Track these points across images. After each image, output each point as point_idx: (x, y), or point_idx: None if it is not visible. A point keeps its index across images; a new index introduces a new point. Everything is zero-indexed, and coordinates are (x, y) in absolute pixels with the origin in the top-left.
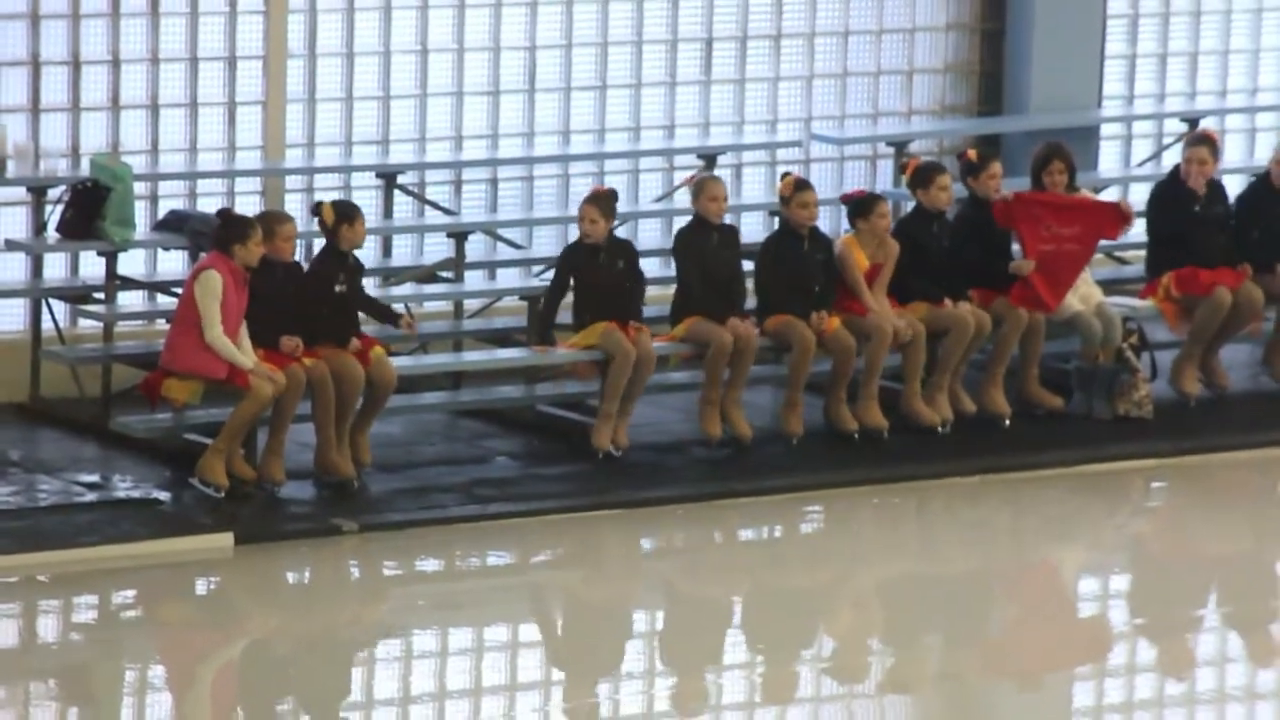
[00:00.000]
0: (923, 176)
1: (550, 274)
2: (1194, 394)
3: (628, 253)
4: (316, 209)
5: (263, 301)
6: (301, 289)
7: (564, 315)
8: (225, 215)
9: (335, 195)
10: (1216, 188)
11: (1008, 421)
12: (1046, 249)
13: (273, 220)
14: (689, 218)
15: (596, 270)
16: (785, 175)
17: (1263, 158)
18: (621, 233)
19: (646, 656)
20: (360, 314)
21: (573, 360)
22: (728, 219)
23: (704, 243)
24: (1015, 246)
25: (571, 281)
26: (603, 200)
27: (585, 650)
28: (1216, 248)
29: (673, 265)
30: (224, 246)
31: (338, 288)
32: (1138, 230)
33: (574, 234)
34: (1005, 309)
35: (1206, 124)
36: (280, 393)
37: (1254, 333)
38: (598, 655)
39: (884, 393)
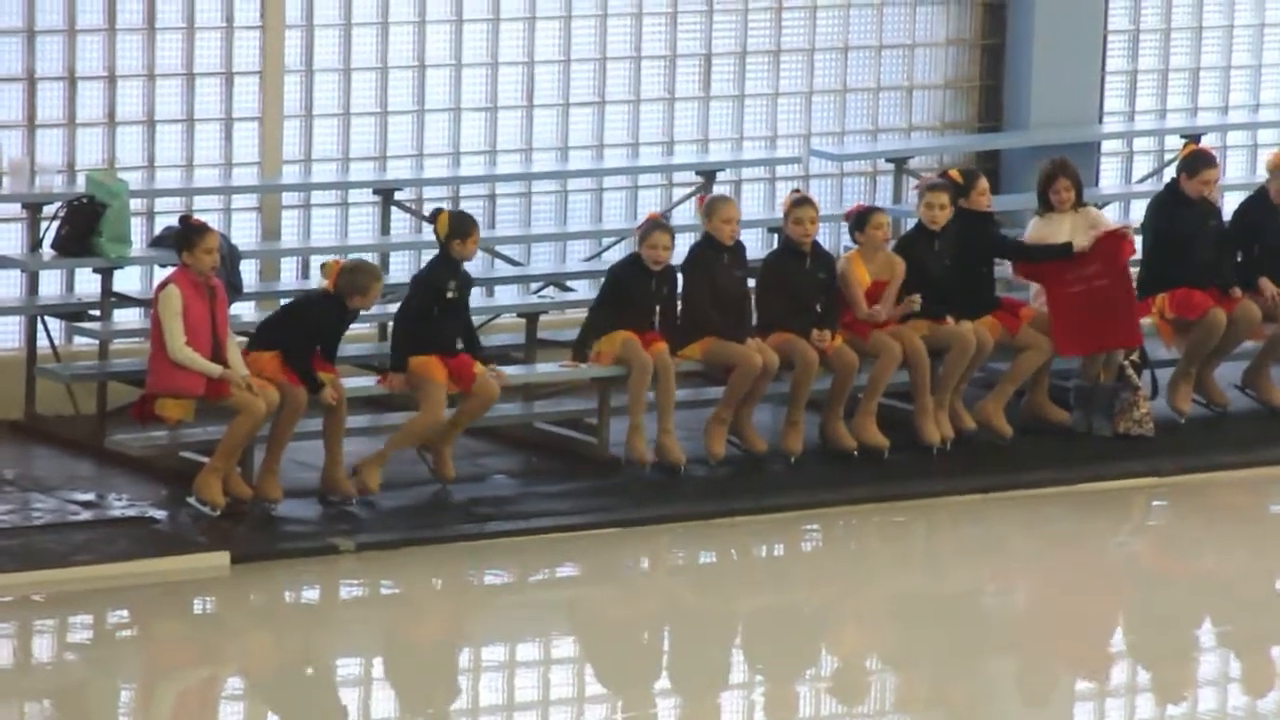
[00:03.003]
0: (920, 193)
1: (549, 291)
2: (1187, 412)
3: (672, 279)
4: (435, 216)
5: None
6: (410, 296)
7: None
8: (182, 222)
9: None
10: (1211, 204)
11: (1006, 441)
12: (1076, 290)
13: (371, 277)
14: (689, 235)
15: (647, 294)
16: (795, 190)
17: (1265, 174)
18: (619, 250)
19: (646, 676)
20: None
21: (580, 378)
22: None
23: (715, 263)
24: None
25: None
26: (668, 227)
27: (584, 669)
28: (1208, 264)
29: None
30: (178, 254)
31: (449, 294)
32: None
33: (572, 251)
34: (1031, 336)
35: (1208, 141)
36: (274, 409)
37: (1259, 336)
38: (596, 674)
39: (884, 410)
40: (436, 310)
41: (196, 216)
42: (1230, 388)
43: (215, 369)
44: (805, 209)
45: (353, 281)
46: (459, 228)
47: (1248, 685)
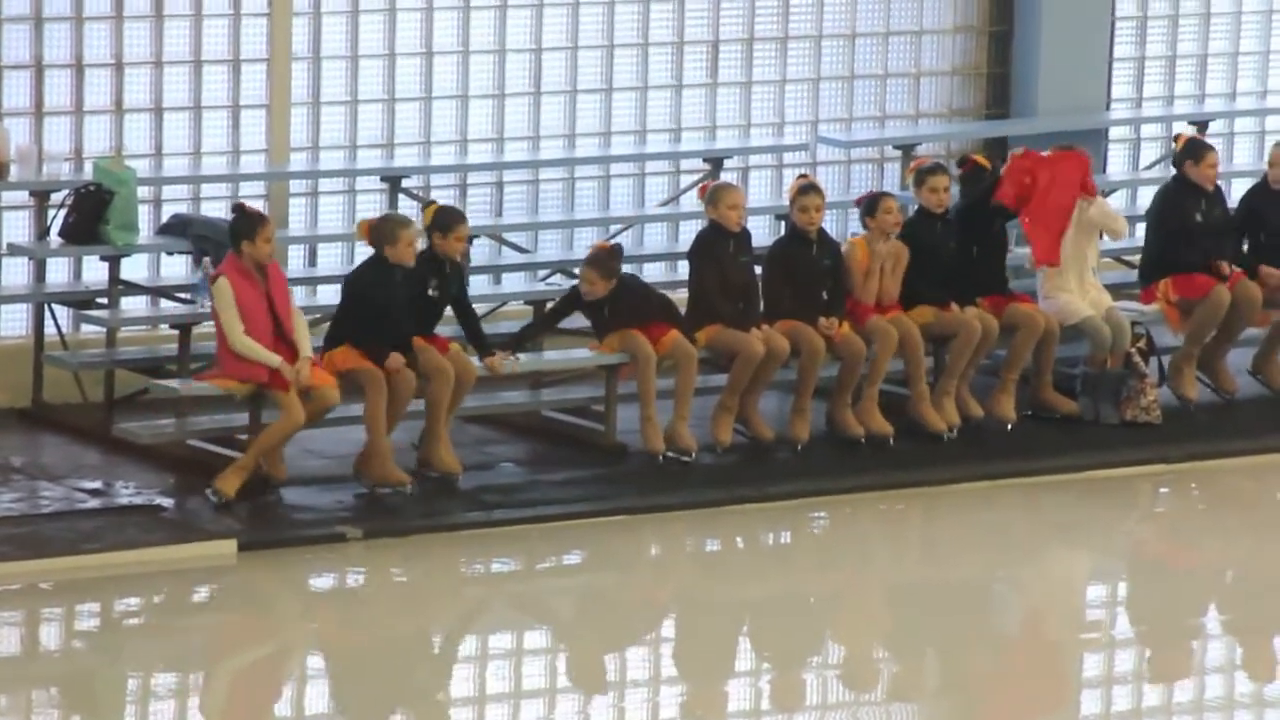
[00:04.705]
0: (917, 178)
1: (557, 278)
2: (1193, 398)
3: (631, 290)
4: (426, 208)
5: (374, 304)
6: (396, 286)
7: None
8: (237, 210)
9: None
10: (1217, 192)
11: (1010, 426)
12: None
13: (397, 224)
14: (696, 222)
15: (600, 314)
16: (801, 176)
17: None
18: (627, 237)
19: (652, 663)
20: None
21: (601, 364)
22: None
23: (721, 250)
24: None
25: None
26: (601, 263)
27: (591, 657)
28: (1214, 252)
29: (678, 269)
30: (235, 244)
31: (430, 291)
32: (1138, 235)
33: (579, 238)
34: (1020, 316)
35: (1215, 127)
36: (317, 418)
37: (1263, 322)
38: (604, 662)
39: (889, 397)
40: (414, 306)
41: (248, 204)
42: (1240, 373)
43: (274, 359)
44: (810, 196)
45: (379, 230)
46: (439, 220)
47: (1254, 672)
